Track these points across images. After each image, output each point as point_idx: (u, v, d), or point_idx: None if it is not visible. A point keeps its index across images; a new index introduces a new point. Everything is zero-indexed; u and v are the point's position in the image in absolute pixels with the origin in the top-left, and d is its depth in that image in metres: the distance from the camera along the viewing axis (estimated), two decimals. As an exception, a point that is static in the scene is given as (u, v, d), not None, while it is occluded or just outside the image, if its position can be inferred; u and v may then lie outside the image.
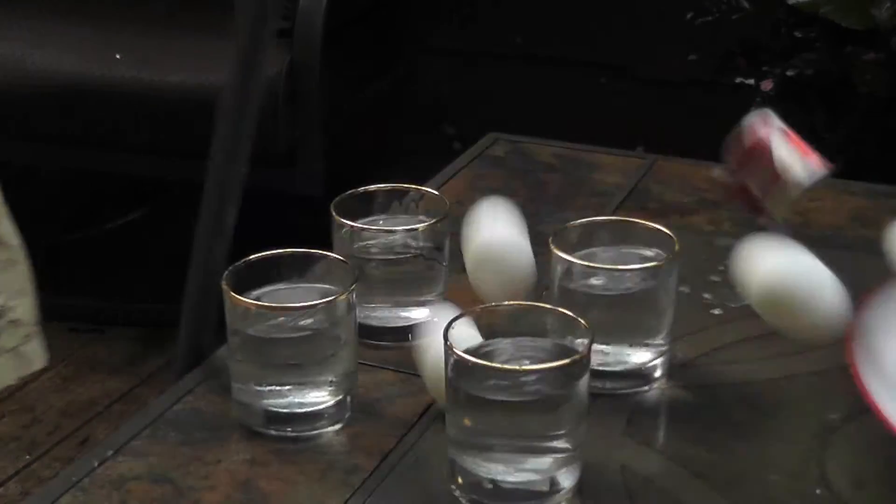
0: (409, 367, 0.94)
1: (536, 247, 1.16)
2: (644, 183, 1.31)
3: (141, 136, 2.07)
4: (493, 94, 2.73)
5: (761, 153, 1.07)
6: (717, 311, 1.06)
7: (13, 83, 2.05)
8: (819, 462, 0.87)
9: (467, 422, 0.82)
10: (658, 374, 0.96)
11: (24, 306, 1.21)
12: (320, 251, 0.95)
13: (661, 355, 0.96)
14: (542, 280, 1.10)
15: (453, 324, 0.84)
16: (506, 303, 0.89)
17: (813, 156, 1.04)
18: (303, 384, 0.90)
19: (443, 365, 0.83)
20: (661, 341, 0.95)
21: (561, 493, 0.83)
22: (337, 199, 1.02)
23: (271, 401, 0.91)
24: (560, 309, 0.87)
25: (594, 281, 0.94)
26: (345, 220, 1.00)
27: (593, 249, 0.98)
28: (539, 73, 2.69)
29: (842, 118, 1.86)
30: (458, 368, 0.81)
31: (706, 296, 1.08)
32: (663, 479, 0.86)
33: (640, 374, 0.95)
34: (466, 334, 0.85)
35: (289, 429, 0.91)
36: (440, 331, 0.83)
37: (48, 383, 2.10)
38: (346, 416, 0.92)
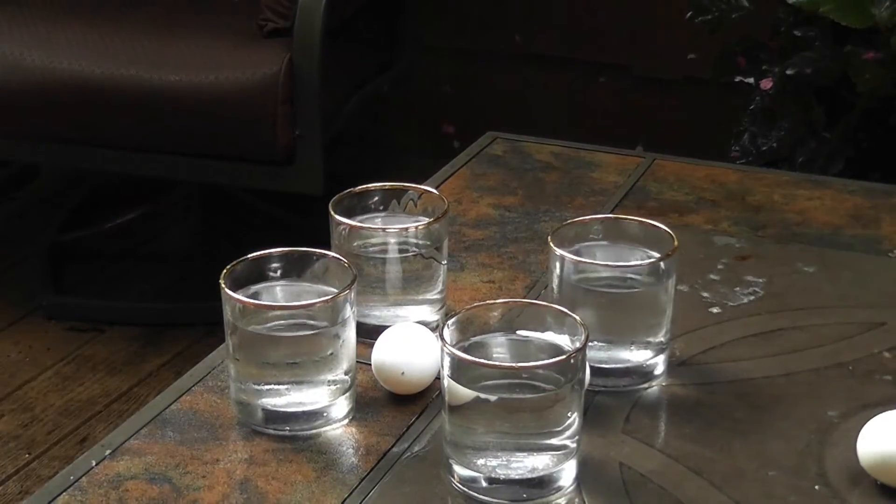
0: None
1: (535, 244, 1.16)
2: (643, 182, 1.31)
3: (141, 136, 2.07)
4: (492, 94, 2.73)
5: None
6: (715, 310, 1.06)
7: (13, 83, 2.04)
8: (817, 459, 0.88)
9: (463, 419, 0.82)
10: (657, 371, 0.96)
11: None
12: (319, 250, 0.95)
13: (659, 353, 0.96)
14: (541, 278, 1.10)
15: (447, 322, 0.84)
16: (501, 300, 0.89)
17: None
18: (301, 383, 0.90)
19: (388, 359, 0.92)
20: (660, 339, 0.96)
21: (559, 489, 0.83)
22: (335, 197, 1.02)
23: (270, 400, 0.91)
24: (556, 306, 0.87)
25: (593, 279, 0.94)
26: (343, 219, 1.00)
27: (592, 247, 0.98)
28: (538, 72, 2.69)
29: (841, 117, 1.86)
30: (453, 366, 0.81)
31: (705, 294, 1.08)
32: (662, 476, 0.86)
33: (639, 372, 0.95)
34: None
35: (287, 428, 0.91)
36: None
37: (47, 382, 2.10)
38: (345, 415, 0.92)
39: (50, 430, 1.99)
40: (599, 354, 0.94)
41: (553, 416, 0.82)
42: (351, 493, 0.85)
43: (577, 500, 0.84)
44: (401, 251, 1.00)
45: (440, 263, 1.01)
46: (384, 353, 0.93)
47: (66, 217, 2.57)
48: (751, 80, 1.90)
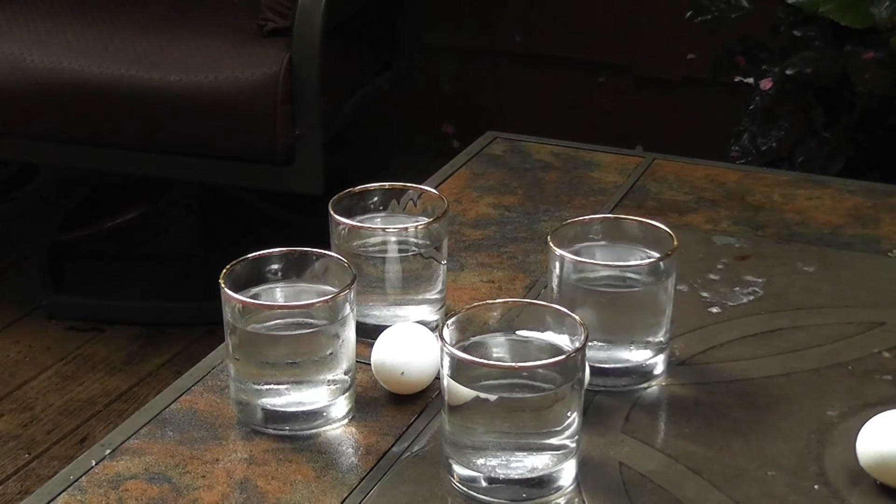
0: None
1: (535, 244, 1.16)
2: (643, 181, 1.31)
3: (141, 136, 2.07)
4: (492, 93, 2.73)
5: None
6: (715, 310, 1.06)
7: (13, 82, 2.04)
8: (817, 458, 0.88)
9: (463, 419, 0.82)
10: (656, 371, 0.96)
11: None
12: (319, 250, 0.95)
13: (659, 353, 0.96)
14: (541, 278, 1.10)
15: (447, 322, 0.84)
16: (501, 300, 0.89)
17: None
18: (301, 383, 0.90)
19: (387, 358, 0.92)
20: (660, 339, 0.96)
21: (559, 489, 0.83)
22: (335, 197, 1.02)
23: (269, 399, 0.91)
24: (556, 306, 0.87)
25: (592, 278, 0.94)
26: (343, 219, 1.00)
27: (592, 247, 0.98)
28: (539, 72, 2.69)
29: (840, 117, 1.86)
30: (452, 365, 0.81)
31: (704, 294, 1.08)
32: (661, 476, 0.86)
33: (639, 372, 0.95)
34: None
35: (287, 427, 0.91)
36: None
37: (47, 382, 2.10)
38: (344, 414, 0.92)
39: (49, 430, 1.99)
40: (599, 354, 0.94)
41: (553, 416, 0.82)
42: (351, 493, 0.85)
43: (576, 499, 0.84)
44: (400, 251, 1.00)
45: (440, 263, 1.01)
46: (384, 352, 0.93)
47: (66, 217, 2.57)
48: (750, 80, 1.90)
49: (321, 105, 2.02)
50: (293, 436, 0.90)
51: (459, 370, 0.81)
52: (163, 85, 2.01)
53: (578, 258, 0.94)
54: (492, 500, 0.83)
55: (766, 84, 1.86)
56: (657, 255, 0.95)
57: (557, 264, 0.94)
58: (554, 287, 0.95)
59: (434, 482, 0.85)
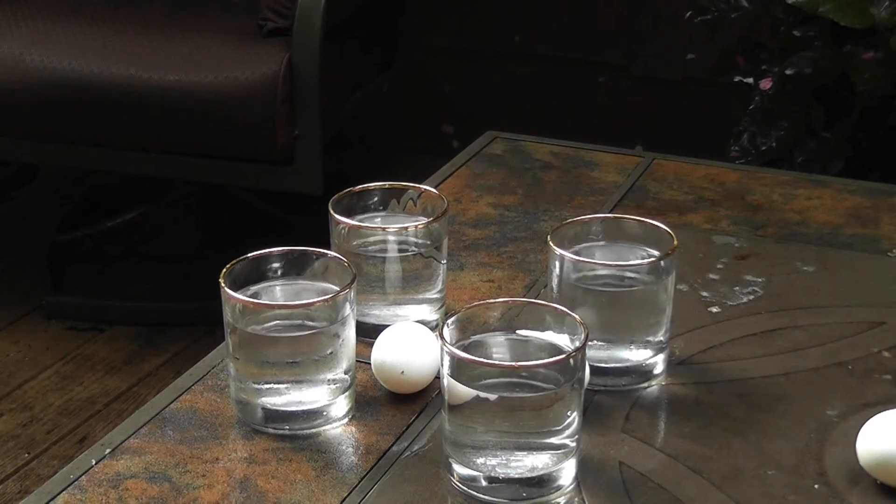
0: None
1: (535, 244, 1.16)
2: (642, 181, 1.31)
3: (140, 135, 2.07)
4: (492, 93, 2.73)
5: None
6: (714, 309, 1.06)
7: (13, 82, 2.04)
8: (817, 458, 0.88)
9: (463, 418, 0.82)
10: (656, 371, 0.96)
11: None
12: (319, 249, 0.95)
13: (659, 352, 0.96)
14: (541, 277, 1.10)
15: (447, 321, 0.84)
16: (501, 299, 0.89)
17: None
18: (301, 382, 0.90)
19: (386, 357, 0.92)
20: (660, 338, 0.96)
21: (559, 488, 0.84)
22: (335, 197, 1.02)
23: (269, 399, 0.91)
24: (556, 305, 0.87)
25: (592, 278, 0.94)
26: (343, 219, 1.00)
27: (591, 247, 0.98)
28: (538, 72, 2.69)
29: (840, 117, 1.85)
30: (452, 365, 0.81)
31: (704, 294, 1.08)
32: (661, 475, 0.86)
33: (639, 371, 0.95)
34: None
35: (287, 427, 0.91)
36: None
37: (47, 382, 2.10)
38: (344, 414, 0.92)
39: (49, 430, 1.99)
40: (599, 354, 0.94)
41: (553, 416, 0.82)
42: (351, 492, 0.85)
43: (576, 499, 0.84)
44: (400, 250, 1.00)
45: (440, 263, 1.02)
46: (384, 352, 0.93)
47: (66, 217, 2.57)
48: (750, 80, 1.90)
49: (321, 105, 2.02)
50: (293, 435, 0.90)
51: (459, 369, 0.81)
52: (163, 85, 2.01)
53: (578, 258, 0.94)
54: (492, 499, 0.83)
55: (765, 84, 1.86)
56: (657, 254, 0.95)
57: (557, 264, 0.94)
58: (554, 287, 0.95)
59: (434, 481, 0.85)
